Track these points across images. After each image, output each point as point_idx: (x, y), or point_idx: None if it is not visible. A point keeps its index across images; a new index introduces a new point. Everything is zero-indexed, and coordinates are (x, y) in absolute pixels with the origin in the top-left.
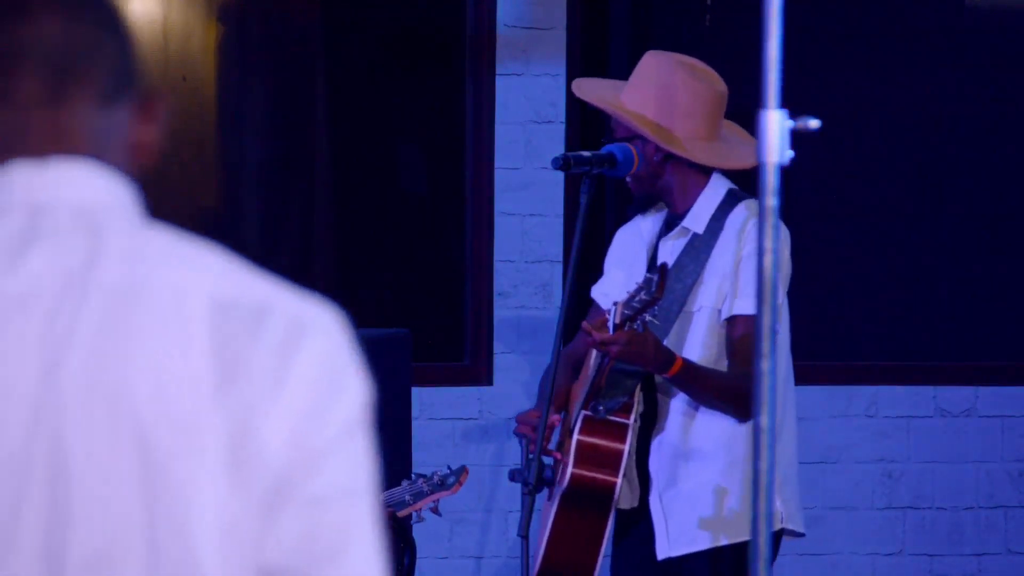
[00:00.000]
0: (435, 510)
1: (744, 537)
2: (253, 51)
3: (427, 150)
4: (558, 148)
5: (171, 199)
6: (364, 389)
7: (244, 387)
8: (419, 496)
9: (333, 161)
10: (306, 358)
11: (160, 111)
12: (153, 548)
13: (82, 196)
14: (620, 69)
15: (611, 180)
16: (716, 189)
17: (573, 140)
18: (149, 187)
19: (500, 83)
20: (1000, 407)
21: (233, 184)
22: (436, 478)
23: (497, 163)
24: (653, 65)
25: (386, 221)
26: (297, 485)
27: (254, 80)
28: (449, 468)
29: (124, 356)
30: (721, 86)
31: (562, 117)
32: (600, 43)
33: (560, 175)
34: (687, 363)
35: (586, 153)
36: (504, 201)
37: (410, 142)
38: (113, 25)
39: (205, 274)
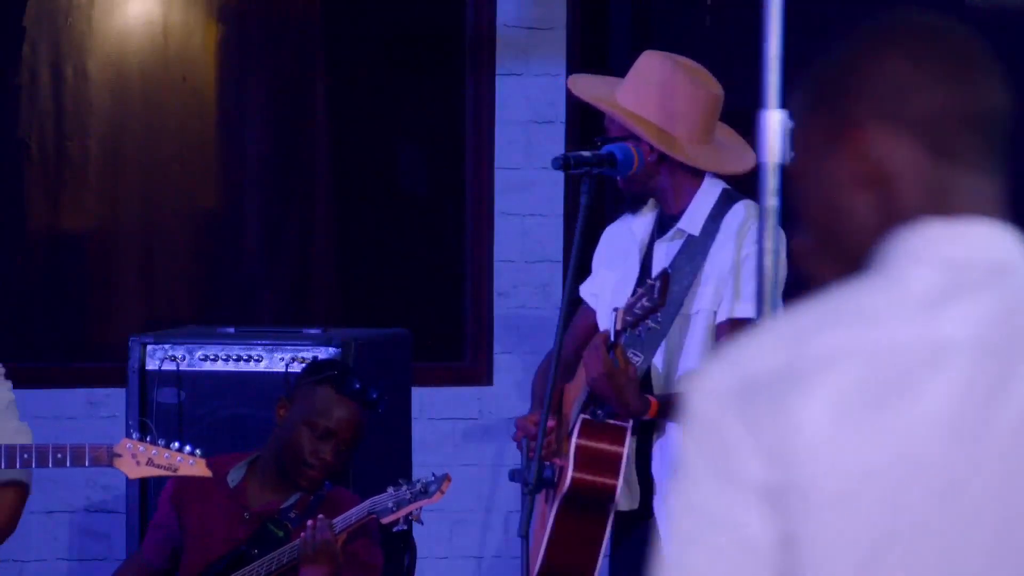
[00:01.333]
0: (416, 518)
1: None
2: (253, 51)
3: (427, 150)
4: (558, 148)
5: (171, 199)
6: None
7: None
8: (401, 504)
9: (333, 161)
10: None
11: None
12: None
13: (997, 254)
14: (620, 69)
15: (611, 180)
16: (710, 190)
17: (573, 140)
18: (149, 188)
19: (500, 83)
20: None
21: (233, 184)
22: (419, 485)
23: (497, 163)
24: (651, 65)
25: (386, 221)
26: None
27: (254, 80)
28: (433, 475)
29: None
30: (717, 89)
31: (562, 117)
32: (600, 43)
33: (560, 175)
34: (661, 400)
35: (586, 153)
36: (504, 201)
37: (410, 142)
38: (1007, 88)
39: None
